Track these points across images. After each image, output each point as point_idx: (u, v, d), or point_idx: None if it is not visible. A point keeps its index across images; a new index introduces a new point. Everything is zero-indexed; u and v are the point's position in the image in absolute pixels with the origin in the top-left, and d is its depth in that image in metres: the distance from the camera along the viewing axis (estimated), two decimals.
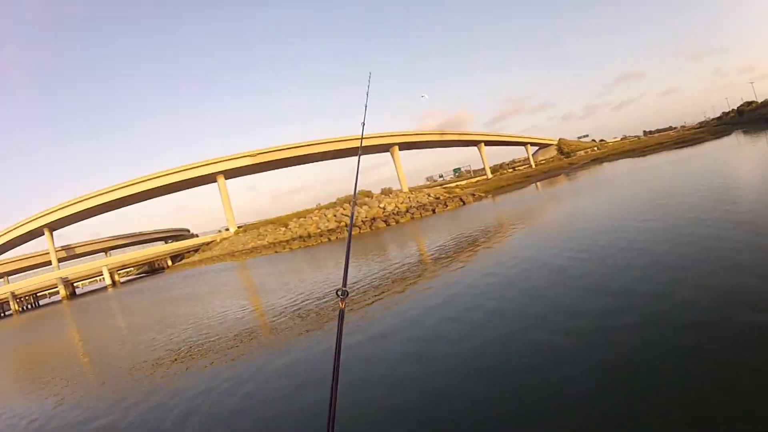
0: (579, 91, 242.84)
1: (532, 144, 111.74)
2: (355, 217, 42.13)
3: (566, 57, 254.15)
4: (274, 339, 9.68)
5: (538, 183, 51.70)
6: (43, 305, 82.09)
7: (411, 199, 45.63)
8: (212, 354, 9.74)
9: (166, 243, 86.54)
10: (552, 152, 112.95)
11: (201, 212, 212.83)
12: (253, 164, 75.46)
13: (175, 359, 10.35)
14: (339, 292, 1.76)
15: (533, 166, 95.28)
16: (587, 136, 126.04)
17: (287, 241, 45.11)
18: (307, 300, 12.93)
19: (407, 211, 42.10)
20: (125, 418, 7.08)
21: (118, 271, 79.05)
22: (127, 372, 10.46)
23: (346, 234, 39.54)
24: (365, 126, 3.50)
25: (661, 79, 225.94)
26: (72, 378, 11.84)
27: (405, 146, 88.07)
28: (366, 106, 3.92)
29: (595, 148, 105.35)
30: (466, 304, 8.07)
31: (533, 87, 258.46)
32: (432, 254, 16.00)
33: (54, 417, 8.30)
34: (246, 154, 74.00)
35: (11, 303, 71.54)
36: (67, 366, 14.28)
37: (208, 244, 70.21)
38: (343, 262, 2.25)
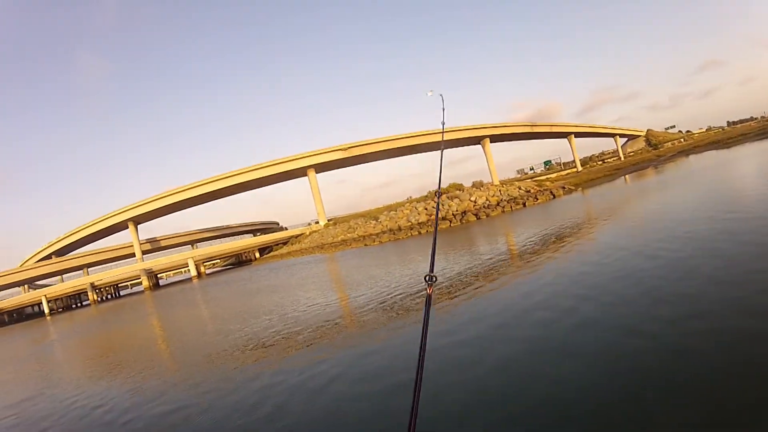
0: (665, 80, 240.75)
1: (621, 135, 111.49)
2: (446, 211, 43.68)
3: (653, 43, 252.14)
4: (360, 333, 10.05)
5: (626, 176, 52.08)
6: (124, 295, 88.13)
7: (502, 192, 46.71)
8: (296, 347, 10.13)
9: (254, 236, 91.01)
10: (640, 144, 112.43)
11: (289, 205, 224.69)
12: (344, 158, 78.42)
13: (258, 351, 10.86)
14: (426, 278, 1.86)
15: (622, 158, 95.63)
16: (674, 126, 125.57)
17: (377, 234, 47.48)
18: (394, 294, 13.22)
19: (498, 204, 43.33)
20: (205, 412, 7.42)
21: (204, 263, 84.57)
22: (206, 362, 11.08)
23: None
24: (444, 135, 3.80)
25: (741, 68, 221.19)
26: (149, 367, 12.59)
27: (496, 138, 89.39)
28: (443, 123, 4.20)
29: (682, 140, 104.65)
30: (569, 299, 8.34)
31: (621, 75, 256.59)
32: (527, 247, 16.15)
33: (130, 407, 8.80)
34: (337, 148, 76.99)
35: (89, 293, 78.36)
36: (145, 355, 15.28)
37: (297, 236, 73.69)
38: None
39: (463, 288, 11.46)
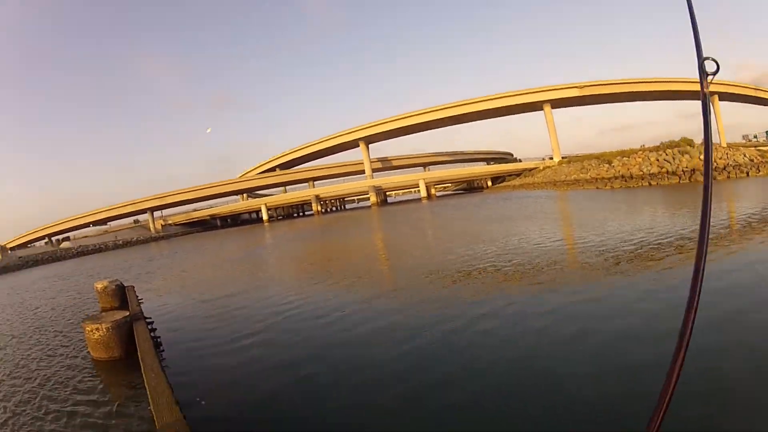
0: None
1: None
2: (675, 166, 48.45)
3: None
4: (581, 276, 11.04)
5: None
6: (349, 209, 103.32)
7: (728, 155, 49.87)
8: (520, 279, 11.48)
9: (487, 164, 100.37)
10: None
11: (523, 138, 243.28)
12: (579, 96, 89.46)
13: (482, 277, 12.23)
14: None
15: None
16: None
17: (609, 179, 53.79)
18: (623, 244, 14.17)
19: (724, 168, 46.44)
20: (425, 329, 8.42)
21: (435, 186, 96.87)
22: (429, 282, 12.49)
23: (667, 181, 47.80)
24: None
25: None
26: (369, 280, 14.52)
27: (724, 97, 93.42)
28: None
29: None
30: None
31: None
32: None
33: (350, 315, 10.23)
34: (573, 86, 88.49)
35: (313, 204, 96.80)
36: (365, 267, 17.52)
37: (530, 170, 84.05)
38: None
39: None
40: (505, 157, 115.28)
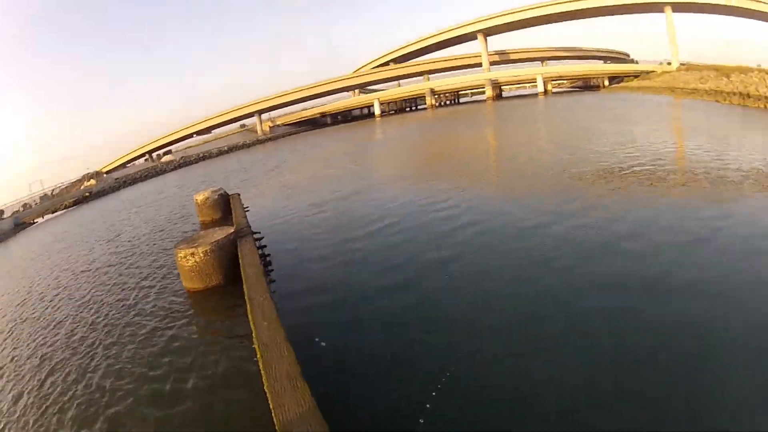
0: None
1: None
2: None
3: None
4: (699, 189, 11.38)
5: None
6: (463, 103, 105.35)
7: None
8: (630, 180, 12.03)
9: (604, 63, 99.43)
10: None
11: (638, 40, 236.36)
12: (727, 5, 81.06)
13: (602, 177, 12.71)
14: None
15: None
16: None
17: (727, 93, 47.59)
18: (727, 160, 14.22)
19: None
20: (570, 242, 8.92)
21: (552, 82, 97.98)
22: (542, 178, 13.03)
23: None
24: None
25: None
26: (480, 179, 15.00)
27: None
28: None
29: None
30: None
31: None
32: None
33: (472, 217, 10.51)
34: None
35: (427, 98, 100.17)
36: (476, 166, 17.89)
37: (648, 73, 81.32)
38: None
39: None
40: (622, 58, 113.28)
